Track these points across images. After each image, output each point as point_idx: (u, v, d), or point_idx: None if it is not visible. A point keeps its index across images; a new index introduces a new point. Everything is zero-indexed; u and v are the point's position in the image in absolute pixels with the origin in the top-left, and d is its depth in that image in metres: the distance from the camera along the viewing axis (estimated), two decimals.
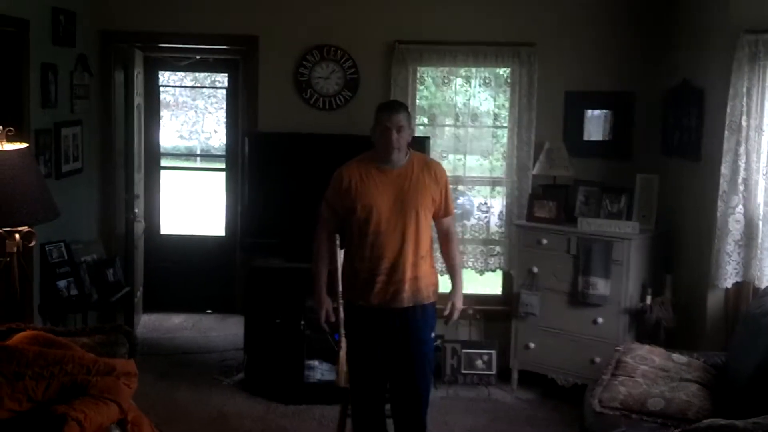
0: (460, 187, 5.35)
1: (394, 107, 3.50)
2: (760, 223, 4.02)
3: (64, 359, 2.96)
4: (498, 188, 5.36)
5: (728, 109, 4.03)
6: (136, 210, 5.74)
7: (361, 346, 3.51)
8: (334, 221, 3.57)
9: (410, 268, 3.40)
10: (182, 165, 12.56)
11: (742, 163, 4.00)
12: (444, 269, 3.77)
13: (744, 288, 4.16)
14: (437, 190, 3.47)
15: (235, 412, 4.59)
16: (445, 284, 3.69)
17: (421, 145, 5.02)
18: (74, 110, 5.03)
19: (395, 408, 3.54)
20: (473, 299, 5.47)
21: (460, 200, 5.48)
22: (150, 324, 6.21)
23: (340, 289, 3.66)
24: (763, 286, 3.95)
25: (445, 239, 3.64)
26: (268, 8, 5.36)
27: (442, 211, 3.54)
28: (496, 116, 5.37)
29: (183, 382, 5.03)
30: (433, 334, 3.56)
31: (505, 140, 5.33)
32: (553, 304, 4.81)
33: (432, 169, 3.50)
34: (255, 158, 5.07)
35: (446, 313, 3.60)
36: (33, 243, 3.56)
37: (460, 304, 3.61)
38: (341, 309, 3.63)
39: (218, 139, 11.81)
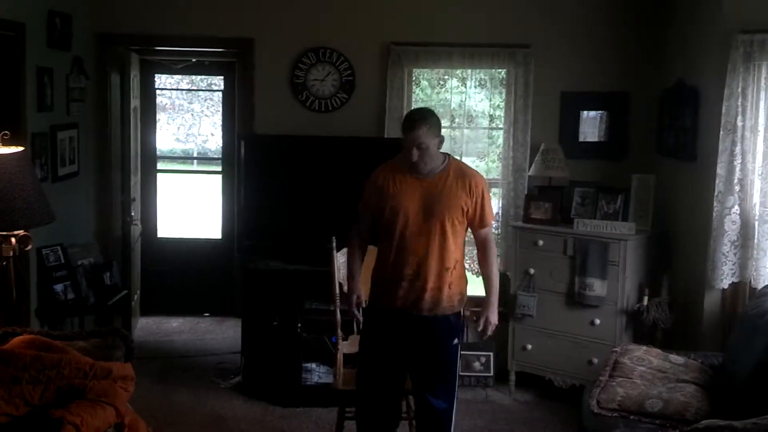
0: None
1: (413, 123, 3.30)
2: (756, 223, 4.03)
3: (61, 363, 2.96)
4: (494, 190, 5.36)
5: (723, 109, 4.04)
6: (132, 213, 5.73)
7: (377, 347, 3.46)
8: (367, 220, 3.54)
9: (433, 277, 3.34)
10: (179, 168, 12.55)
11: (737, 164, 4.01)
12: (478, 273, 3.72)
13: (740, 288, 4.17)
14: (470, 200, 3.35)
15: (232, 415, 4.58)
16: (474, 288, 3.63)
17: None
18: (70, 113, 5.03)
19: (419, 421, 3.51)
20: (470, 301, 5.46)
21: None
22: (147, 327, 6.19)
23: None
24: (759, 287, 3.96)
25: (482, 250, 3.53)
26: (263, 11, 5.36)
27: (477, 221, 3.41)
28: (491, 117, 5.38)
29: (180, 385, 5.02)
30: (456, 341, 3.46)
31: (500, 141, 5.33)
32: (550, 305, 4.82)
33: (467, 178, 3.36)
34: (251, 161, 5.07)
35: (480, 329, 3.55)
36: (29, 247, 3.55)
37: (494, 319, 3.52)
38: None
39: (215, 142, 11.79)
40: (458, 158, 5.17)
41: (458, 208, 3.33)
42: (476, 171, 3.50)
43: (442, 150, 3.42)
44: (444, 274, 3.35)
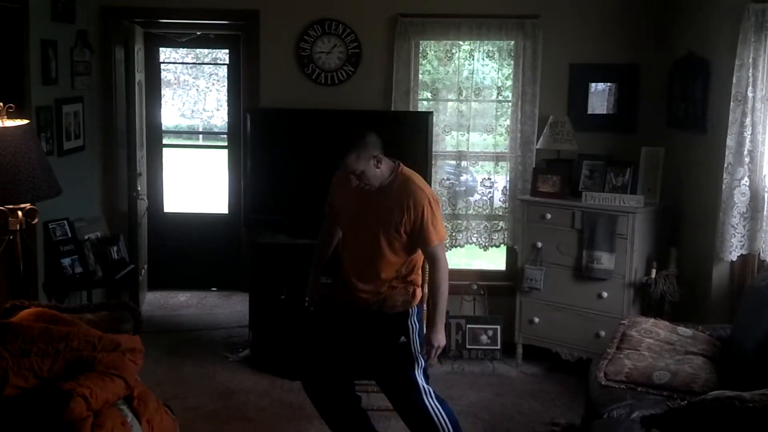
0: (464, 163, 5.33)
1: (344, 152, 3.23)
2: (766, 195, 4.00)
3: (69, 335, 2.96)
4: (502, 163, 5.33)
5: (734, 80, 3.99)
6: (138, 188, 5.73)
7: (323, 336, 3.51)
8: (332, 214, 3.59)
9: (367, 283, 3.34)
10: (184, 143, 12.54)
11: (747, 135, 3.96)
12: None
13: (749, 261, 4.15)
14: (408, 219, 3.23)
15: (240, 388, 4.61)
16: None
17: (424, 120, 5.00)
18: (75, 87, 5.00)
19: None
20: (478, 275, 5.47)
21: (464, 177, 5.45)
22: (155, 302, 6.22)
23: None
24: None
25: (430, 268, 3.38)
26: None
27: (420, 241, 3.27)
28: (499, 90, 5.33)
29: (189, 358, 5.05)
30: (402, 339, 3.36)
31: (508, 114, 5.29)
32: (557, 278, 4.81)
33: (408, 198, 3.24)
34: (257, 135, 5.04)
35: (423, 351, 3.36)
36: (36, 220, 3.55)
37: (437, 341, 3.32)
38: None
39: (220, 118, 11.78)
40: (465, 133, 5.25)
41: (392, 225, 3.24)
42: (420, 188, 3.29)
43: (390, 162, 3.32)
44: (379, 282, 3.33)
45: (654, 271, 4.58)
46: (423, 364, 3.41)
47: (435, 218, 3.27)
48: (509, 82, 5.27)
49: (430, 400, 3.38)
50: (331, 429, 3.62)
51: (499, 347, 5.12)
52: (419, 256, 3.39)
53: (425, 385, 3.39)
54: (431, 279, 3.36)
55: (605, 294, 4.65)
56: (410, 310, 3.38)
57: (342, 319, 3.46)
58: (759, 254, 4.06)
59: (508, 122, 5.30)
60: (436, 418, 3.36)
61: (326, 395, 3.54)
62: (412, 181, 3.32)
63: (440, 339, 3.33)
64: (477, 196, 5.37)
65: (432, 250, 3.29)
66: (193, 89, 13.67)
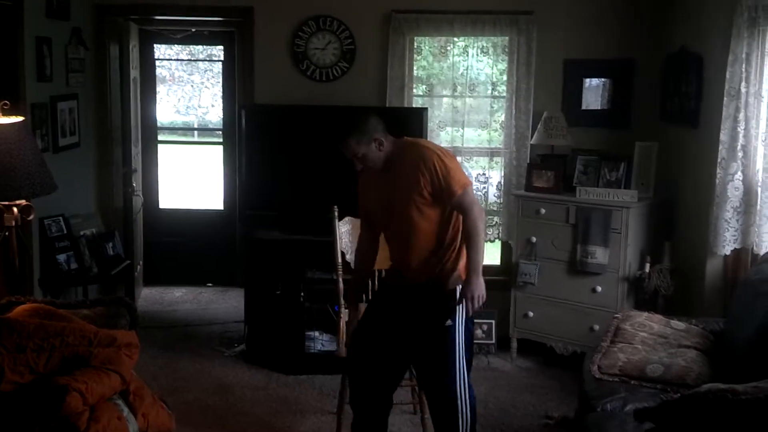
0: (458, 159, 5.32)
1: (343, 137, 3.23)
2: (759, 189, 4.01)
3: (65, 331, 2.97)
4: (496, 158, 5.35)
5: (727, 75, 4.00)
6: (134, 184, 5.73)
7: (371, 321, 3.45)
8: (362, 219, 3.55)
9: (416, 261, 3.28)
10: (180, 139, 12.52)
11: (741, 130, 3.98)
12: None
13: (742, 255, 4.17)
14: (425, 181, 3.18)
15: (236, 383, 4.62)
16: None
17: (418, 116, 5.01)
18: (70, 84, 5.00)
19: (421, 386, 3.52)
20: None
21: None
22: (150, 297, 6.23)
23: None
24: (761, 253, 3.95)
25: (462, 219, 3.26)
26: None
27: (445, 195, 3.20)
28: (494, 85, 5.34)
29: (184, 353, 5.06)
30: (449, 322, 3.26)
31: (503, 110, 5.30)
32: (552, 273, 4.83)
33: (417, 159, 3.21)
34: (252, 131, 5.05)
35: (456, 302, 3.24)
36: (32, 216, 3.56)
37: (471, 291, 3.17)
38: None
39: (215, 114, 11.74)
40: (459, 128, 5.26)
41: (414, 191, 3.20)
42: (427, 147, 3.30)
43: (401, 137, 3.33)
44: (429, 258, 3.28)
45: (648, 266, 4.60)
46: (466, 353, 3.31)
47: (449, 169, 3.19)
48: (504, 78, 5.28)
49: (462, 390, 3.28)
50: (356, 418, 3.49)
51: (493, 341, 5.15)
52: (459, 222, 3.28)
53: (463, 374, 3.28)
54: (463, 227, 3.23)
55: (599, 288, 4.67)
56: (458, 290, 3.27)
57: (392, 299, 3.39)
58: (752, 248, 4.08)
59: (502, 118, 5.31)
60: (460, 409, 3.28)
61: (369, 390, 3.43)
62: (417, 143, 3.34)
63: (476, 288, 3.17)
64: None
65: (458, 201, 3.20)
66: (188, 86, 13.63)
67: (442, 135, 5.32)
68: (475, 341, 5.08)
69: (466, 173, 5.46)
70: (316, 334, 4.86)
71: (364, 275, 3.65)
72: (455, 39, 5.25)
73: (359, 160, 3.26)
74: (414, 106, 5.24)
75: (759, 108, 3.98)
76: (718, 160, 4.07)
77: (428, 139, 5.01)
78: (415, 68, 5.32)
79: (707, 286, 4.32)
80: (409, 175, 3.22)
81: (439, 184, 3.19)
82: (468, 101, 5.30)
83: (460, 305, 3.24)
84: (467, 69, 5.27)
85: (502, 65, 5.27)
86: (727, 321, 3.76)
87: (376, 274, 3.78)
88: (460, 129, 5.29)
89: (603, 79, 5.26)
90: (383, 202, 3.34)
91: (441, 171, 3.18)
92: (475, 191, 5.29)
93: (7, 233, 3.44)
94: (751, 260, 4.12)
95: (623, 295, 4.64)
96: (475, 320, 5.08)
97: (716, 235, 4.10)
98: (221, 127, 7.03)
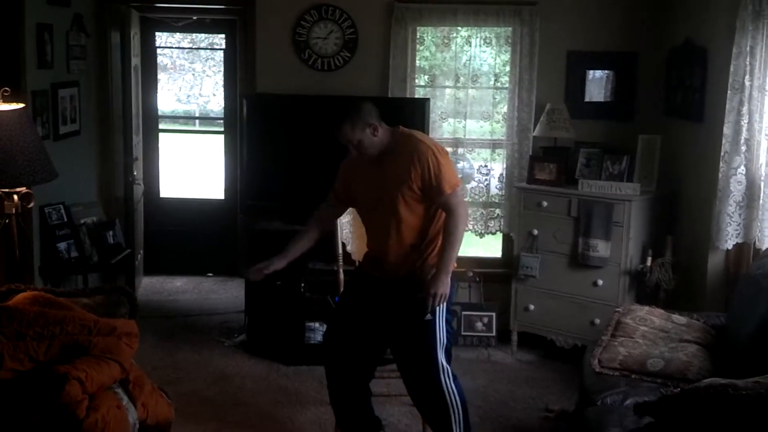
0: (460, 150, 5.32)
1: (337, 128, 3.25)
2: (762, 184, 4.00)
3: (65, 319, 2.96)
4: (498, 150, 5.33)
5: (731, 69, 3.98)
6: (135, 173, 5.71)
7: (348, 310, 3.47)
8: (331, 203, 3.58)
9: (395, 253, 3.29)
10: (181, 128, 12.50)
11: (744, 124, 3.96)
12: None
13: (745, 249, 4.16)
14: (416, 175, 3.17)
15: (236, 373, 4.62)
16: None
17: (421, 107, 4.99)
18: (71, 71, 4.98)
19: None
20: (473, 262, 5.48)
21: (461, 164, 5.45)
22: (151, 287, 6.22)
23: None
24: (763, 248, 3.94)
25: (446, 218, 3.26)
26: None
27: (435, 193, 3.20)
28: (497, 76, 5.32)
29: (185, 343, 5.06)
30: (430, 316, 3.24)
31: (505, 102, 5.28)
32: (553, 266, 4.82)
33: (411, 152, 3.20)
34: (253, 120, 5.03)
35: (419, 295, 3.19)
36: (32, 204, 3.55)
37: (435, 287, 3.14)
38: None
39: (217, 103, 11.71)
40: (462, 120, 5.23)
41: (404, 183, 3.19)
42: (422, 141, 3.26)
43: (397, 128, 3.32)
44: (406, 250, 3.28)
45: (649, 259, 4.59)
46: (446, 343, 3.31)
47: (442, 167, 3.19)
48: (506, 69, 5.26)
49: (447, 381, 3.28)
50: (336, 412, 3.56)
51: (494, 334, 5.14)
52: (442, 219, 3.28)
53: (445, 365, 3.30)
54: (445, 226, 3.23)
55: (600, 282, 4.66)
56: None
57: (370, 290, 3.40)
58: (754, 243, 4.06)
59: (505, 109, 5.29)
60: (448, 399, 3.29)
61: (345, 379, 3.46)
62: (412, 136, 3.31)
63: (439, 285, 3.15)
64: (473, 184, 5.37)
65: (446, 200, 3.20)
66: (190, 74, 13.59)
67: (444, 126, 5.30)
68: (475, 334, 5.12)
69: (464, 169, 5.51)
70: (317, 324, 4.86)
71: (305, 242, 3.56)
72: (458, 29, 5.22)
73: (355, 147, 3.26)
74: (416, 96, 5.22)
75: (763, 102, 3.95)
76: (722, 153, 4.05)
77: (430, 131, 5.03)
78: (417, 58, 5.29)
79: (709, 280, 4.31)
80: (400, 167, 3.22)
81: (429, 181, 3.19)
82: (470, 92, 5.28)
83: (439, 313, 3.25)
84: (470, 60, 5.25)
85: (505, 56, 5.25)
86: (729, 316, 3.76)
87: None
88: (463, 120, 5.27)
89: (606, 72, 5.24)
90: (371, 190, 3.34)
91: (433, 168, 3.19)
92: (477, 183, 5.34)
93: (7, 221, 3.43)
94: (753, 255, 4.10)
95: (624, 288, 4.63)
96: (476, 313, 5.13)
97: (718, 230, 4.09)
98: (222, 116, 7.00)
